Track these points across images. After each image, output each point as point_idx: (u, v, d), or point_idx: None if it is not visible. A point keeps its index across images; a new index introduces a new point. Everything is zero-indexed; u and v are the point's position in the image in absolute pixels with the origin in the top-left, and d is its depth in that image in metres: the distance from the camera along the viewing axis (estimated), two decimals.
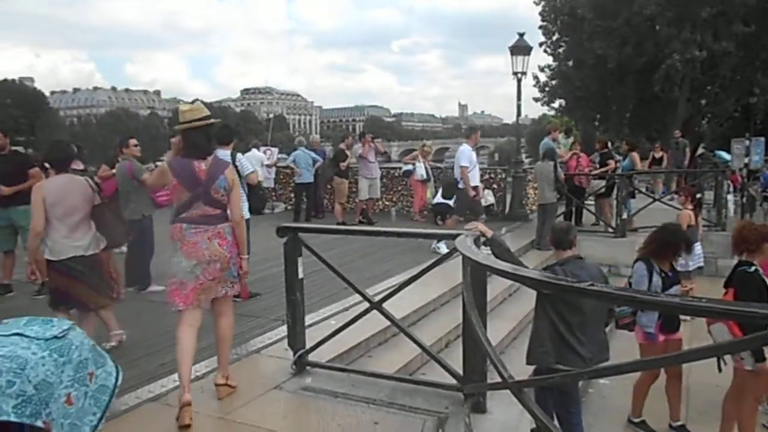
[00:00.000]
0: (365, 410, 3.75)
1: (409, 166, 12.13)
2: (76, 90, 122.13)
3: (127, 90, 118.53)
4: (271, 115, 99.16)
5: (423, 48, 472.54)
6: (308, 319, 4.64)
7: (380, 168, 12.43)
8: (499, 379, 2.96)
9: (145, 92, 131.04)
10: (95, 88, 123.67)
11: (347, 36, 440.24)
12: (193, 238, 3.66)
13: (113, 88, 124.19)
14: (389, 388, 4.04)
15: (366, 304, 4.26)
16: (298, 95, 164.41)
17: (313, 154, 11.63)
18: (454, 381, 3.83)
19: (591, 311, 3.70)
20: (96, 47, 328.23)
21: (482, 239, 3.58)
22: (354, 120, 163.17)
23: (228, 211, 3.83)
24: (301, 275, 4.23)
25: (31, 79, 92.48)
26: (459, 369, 3.79)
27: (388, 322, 4.61)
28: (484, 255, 3.00)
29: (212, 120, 3.91)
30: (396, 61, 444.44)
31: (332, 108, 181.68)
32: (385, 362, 4.83)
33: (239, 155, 5.95)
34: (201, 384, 4.03)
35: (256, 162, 8.99)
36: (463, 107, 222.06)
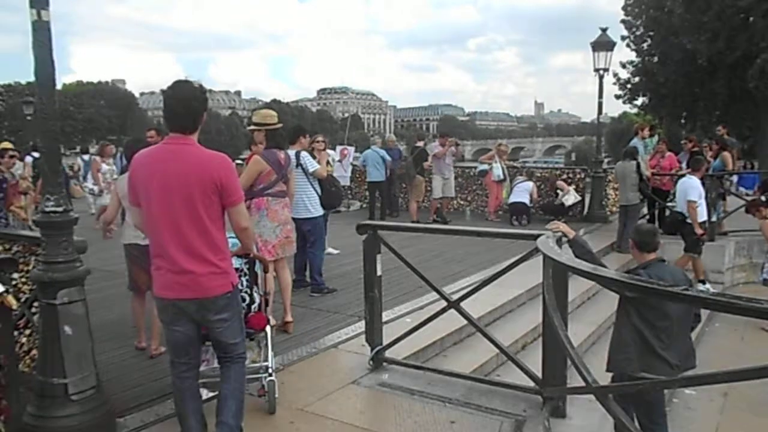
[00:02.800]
0: (441, 409, 3.76)
1: (485, 166, 12.00)
2: (163, 91, 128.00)
3: (209, 91, 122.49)
4: (346, 115, 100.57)
5: (499, 45, 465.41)
6: (384, 316, 4.68)
7: (455, 167, 12.36)
8: (580, 384, 2.90)
9: (227, 93, 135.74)
10: None
11: (423, 35, 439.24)
12: (275, 206, 5.11)
13: None
14: (465, 387, 4.03)
15: (443, 303, 4.27)
16: (373, 95, 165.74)
17: (384, 153, 11.69)
18: (532, 384, 3.77)
19: (677, 316, 3.55)
20: (182, 50, 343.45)
21: (563, 239, 3.51)
22: (428, 119, 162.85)
23: None
24: (379, 272, 4.29)
25: (123, 81, 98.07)
26: (537, 372, 3.73)
27: (463, 322, 4.60)
28: (568, 256, 2.93)
29: (281, 124, 5.28)
30: (471, 59, 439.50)
31: (406, 107, 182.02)
32: (460, 362, 4.81)
33: (303, 153, 6.07)
34: (281, 377, 4.14)
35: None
36: (539, 105, 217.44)
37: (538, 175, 12.38)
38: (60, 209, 3.13)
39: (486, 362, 4.87)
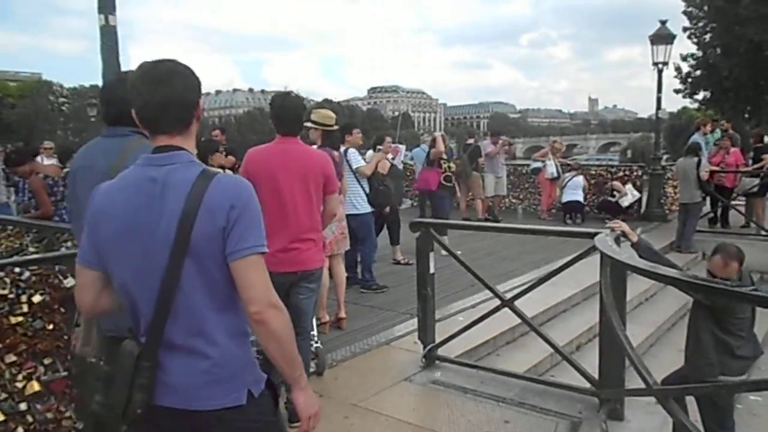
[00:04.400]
0: (495, 408, 3.74)
1: (539, 164, 11.81)
2: (218, 92, 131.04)
3: (263, 91, 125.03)
4: (396, 113, 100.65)
5: (552, 41, 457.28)
6: (437, 314, 4.67)
7: (507, 165, 12.20)
8: (639, 386, 2.83)
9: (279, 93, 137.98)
10: (234, 90, 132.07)
11: (474, 32, 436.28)
12: None
13: (250, 90, 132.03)
14: (519, 387, 3.99)
15: (495, 302, 4.24)
16: (424, 93, 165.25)
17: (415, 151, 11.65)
18: (588, 385, 3.70)
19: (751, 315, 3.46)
20: (236, 51, 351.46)
21: (623, 239, 3.42)
22: (478, 117, 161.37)
23: None
24: (432, 270, 4.29)
25: None
26: (593, 373, 3.67)
27: (516, 321, 4.56)
28: (627, 254, 2.87)
29: (337, 126, 5.36)
30: (523, 55, 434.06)
31: (456, 105, 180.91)
32: (513, 361, 4.77)
33: (350, 150, 6.11)
34: (335, 372, 4.21)
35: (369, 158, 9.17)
36: (593, 101, 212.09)
37: (592, 172, 12.08)
38: None
39: (540, 362, 4.80)
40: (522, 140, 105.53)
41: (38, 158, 10.54)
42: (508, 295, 4.18)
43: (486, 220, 11.00)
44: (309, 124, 5.41)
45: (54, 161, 9.62)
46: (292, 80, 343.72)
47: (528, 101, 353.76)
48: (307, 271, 3.43)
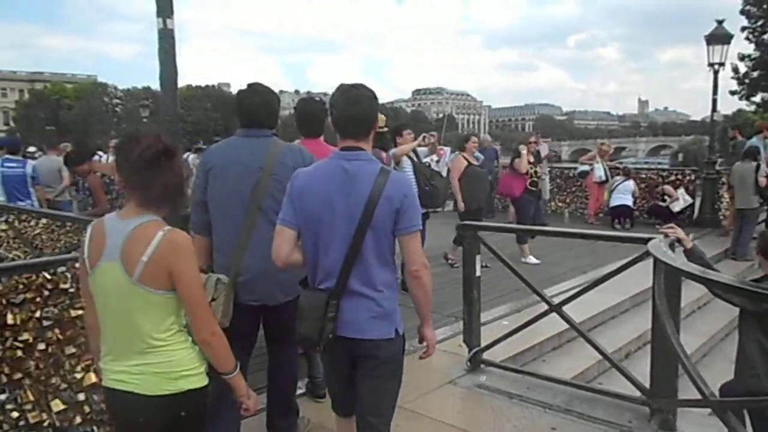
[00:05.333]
0: (541, 414, 3.68)
1: (586, 167, 11.59)
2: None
3: (308, 92, 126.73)
4: (440, 115, 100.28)
5: (601, 42, 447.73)
6: (481, 317, 4.63)
7: (554, 168, 12.00)
8: (694, 396, 2.75)
9: (325, 94, 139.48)
10: (280, 92, 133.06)
11: (521, 33, 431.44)
12: None
13: (296, 91, 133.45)
14: (566, 394, 3.92)
15: (542, 306, 4.18)
16: (468, 95, 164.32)
17: (478, 153, 11.56)
18: (638, 394, 3.61)
19: None
20: (282, 53, 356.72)
21: (677, 245, 3.32)
22: (523, 119, 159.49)
23: None
24: (478, 273, 4.26)
25: (228, 85, 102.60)
26: (643, 381, 3.58)
27: (562, 327, 4.51)
28: (682, 260, 2.79)
29: (387, 128, 5.62)
30: (570, 56, 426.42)
31: (501, 107, 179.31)
32: (560, 368, 4.70)
33: (392, 151, 6.12)
34: None
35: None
36: (643, 103, 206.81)
37: (642, 176, 11.77)
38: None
39: (587, 369, 4.73)
40: (568, 143, 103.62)
41: (101, 156, 11.07)
42: (556, 300, 4.11)
43: (533, 224, 10.85)
44: None
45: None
46: (336, 82, 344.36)
47: (575, 103, 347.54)
48: None
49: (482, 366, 4.33)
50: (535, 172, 8.20)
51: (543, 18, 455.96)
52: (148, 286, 1.89)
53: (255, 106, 2.90)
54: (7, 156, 7.51)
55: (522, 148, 8.11)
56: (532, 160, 8.14)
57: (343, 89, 2.32)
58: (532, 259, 7.75)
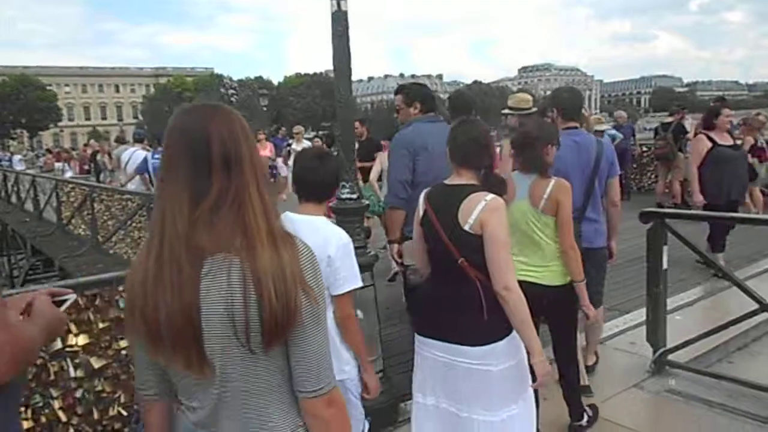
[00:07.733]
0: (756, 430, 3.22)
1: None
2: (370, 78, 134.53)
3: (413, 76, 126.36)
4: (548, 92, 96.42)
5: (726, 5, 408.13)
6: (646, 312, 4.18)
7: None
8: None
9: (429, 77, 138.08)
10: (386, 76, 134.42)
11: (634, 2, 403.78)
12: None
13: (401, 75, 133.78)
14: None
15: (720, 299, 3.73)
16: (578, 70, 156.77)
17: (615, 132, 10.75)
18: None
19: None
20: (386, 38, 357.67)
21: None
22: (639, 92, 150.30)
23: None
24: (665, 265, 3.82)
25: None
26: None
27: (749, 324, 4.06)
28: None
29: (535, 109, 4.94)
30: (691, 23, 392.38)
31: (614, 81, 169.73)
32: (751, 372, 4.15)
33: None
34: None
35: None
36: None
37: None
38: (354, 196, 3.21)
39: None
40: (690, 117, 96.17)
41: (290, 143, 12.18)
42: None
43: (676, 206, 9.99)
44: (506, 111, 5.15)
45: (306, 144, 10.57)
46: (440, 64, 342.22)
47: (696, 73, 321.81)
48: None
49: (667, 368, 3.91)
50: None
51: None
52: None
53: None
54: (159, 149, 7.92)
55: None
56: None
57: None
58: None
